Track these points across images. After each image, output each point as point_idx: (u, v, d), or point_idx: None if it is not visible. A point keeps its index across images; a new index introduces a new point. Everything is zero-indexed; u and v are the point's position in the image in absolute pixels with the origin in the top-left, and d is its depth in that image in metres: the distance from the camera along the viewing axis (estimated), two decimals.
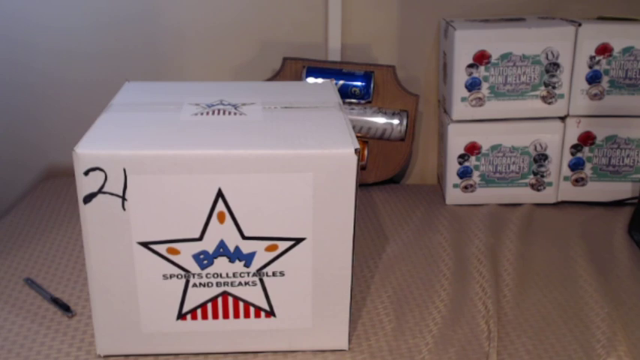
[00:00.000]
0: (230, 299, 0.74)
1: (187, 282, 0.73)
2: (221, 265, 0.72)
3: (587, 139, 1.14)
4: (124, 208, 0.68)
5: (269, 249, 0.72)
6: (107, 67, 1.23)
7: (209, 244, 0.71)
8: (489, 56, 1.09)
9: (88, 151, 0.67)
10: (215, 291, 0.73)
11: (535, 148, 1.14)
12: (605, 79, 1.11)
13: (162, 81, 1.04)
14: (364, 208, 1.16)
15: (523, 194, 1.17)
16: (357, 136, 1.20)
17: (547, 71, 1.10)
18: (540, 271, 0.96)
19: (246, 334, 0.76)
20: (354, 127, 1.19)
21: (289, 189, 0.69)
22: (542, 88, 1.11)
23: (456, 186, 1.17)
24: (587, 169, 1.16)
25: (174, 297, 0.73)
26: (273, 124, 0.75)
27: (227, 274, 0.73)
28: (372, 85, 1.21)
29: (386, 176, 1.24)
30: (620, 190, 1.17)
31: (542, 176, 1.16)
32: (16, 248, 1.00)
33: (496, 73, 1.10)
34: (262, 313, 0.75)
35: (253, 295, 0.74)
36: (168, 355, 0.76)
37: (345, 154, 0.68)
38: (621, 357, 0.75)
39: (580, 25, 1.08)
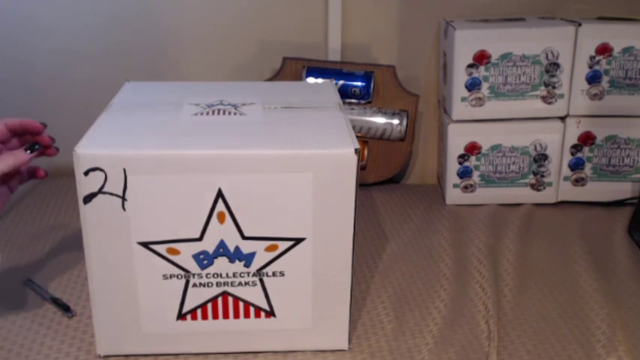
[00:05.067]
0: (230, 299, 0.74)
1: (187, 282, 0.73)
2: (221, 265, 0.72)
3: (587, 139, 1.14)
4: (124, 208, 0.68)
5: (269, 249, 0.72)
6: (107, 67, 1.23)
7: (209, 244, 0.71)
8: (489, 56, 1.09)
9: (88, 151, 0.67)
10: (215, 291, 0.73)
11: (535, 148, 1.14)
12: (605, 79, 1.11)
13: (163, 81, 1.04)
14: (364, 208, 1.16)
15: (523, 194, 1.17)
16: (357, 136, 1.20)
17: (547, 71, 1.10)
18: (540, 271, 0.96)
19: (246, 334, 0.76)
20: (354, 127, 1.19)
21: (289, 189, 0.69)
22: (543, 88, 1.11)
23: (456, 186, 1.17)
24: (587, 169, 1.16)
25: (174, 297, 0.73)
26: (273, 124, 0.75)
27: (227, 274, 0.73)
28: (372, 85, 1.21)
29: (386, 176, 1.24)
30: (620, 190, 1.17)
31: (542, 176, 1.16)
32: (16, 248, 1.00)
33: (496, 73, 1.10)
34: (262, 313, 0.75)
35: (253, 295, 0.74)
36: (168, 355, 0.76)
37: (345, 154, 0.68)
38: (621, 357, 0.75)
39: (580, 25, 1.08)
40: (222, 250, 0.71)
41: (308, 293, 0.74)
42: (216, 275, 0.73)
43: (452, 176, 1.16)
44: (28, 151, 0.75)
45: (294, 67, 1.21)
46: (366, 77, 1.20)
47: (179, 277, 0.72)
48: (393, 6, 1.22)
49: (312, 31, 1.23)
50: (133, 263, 0.71)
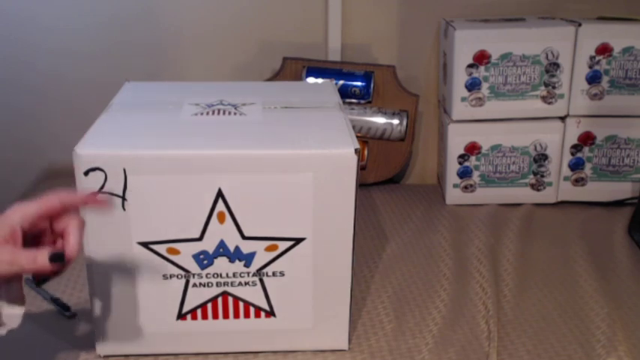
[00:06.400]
0: (230, 299, 0.74)
1: (187, 282, 0.73)
2: (221, 265, 0.72)
3: (587, 139, 1.14)
4: (124, 208, 0.68)
5: (269, 249, 0.72)
6: (107, 67, 1.23)
7: (209, 244, 0.71)
8: (489, 56, 1.09)
9: (88, 151, 0.67)
10: (215, 291, 0.73)
11: (535, 148, 1.14)
12: (605, 79, 1.11)
13: (162, 81, 1.04)
14: (364, 208, 1.16)
15: (523, 194, 1.17)
16: (357, 136, 1.20)
17: (547, 71, 1.10)
18: (540, 271, 0.95)
19: (246, 334, 0.76)
20: (354, 127, 1.19)
21: (289, 189, 0.69)
22: (542, 88, 1.11)
23: (456, 186, 1.17)
24: (587, 169, 1.16)
25: (175, 297, 0.73)
26: (273, 124, 0.75)
27: (227, 274, 0.73)
28: (372, 85, 1.21)
29: (386, 176, 1.24)
30: (620, 190, 1.17)
31: (542, 176, 1.16)
32: None
33: (496, 73, 1.10)
34: (262, 313, 0.75)
35: (253, 295, 0.74)
36: (168, 355, 0.76)
37: (345, 154, 0.68)
38: (621, 357, 0.75)
39: (580, 25, 1.08)
40: (222, 250, 0.71)
41: (308, 293, 0.74)
42: (216, 275, 0.72)
43: (452, 176, 1.16)
44: (50, 260, 0.56)
45: (294, 67, 1.21)
46: (366, 77, 1.20)
47: (179, 277, 0.72)
48: (393, 6, 1.22)
49: (312, 31, 1.23)
50: (133, 263, 0.71)
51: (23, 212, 0.57)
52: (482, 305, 0.86)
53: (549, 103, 1.12)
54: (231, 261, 0.72)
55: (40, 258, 0.55)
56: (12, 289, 0.59)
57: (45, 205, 0.58)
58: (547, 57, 1.09)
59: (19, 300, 0.59)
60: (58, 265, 0.56)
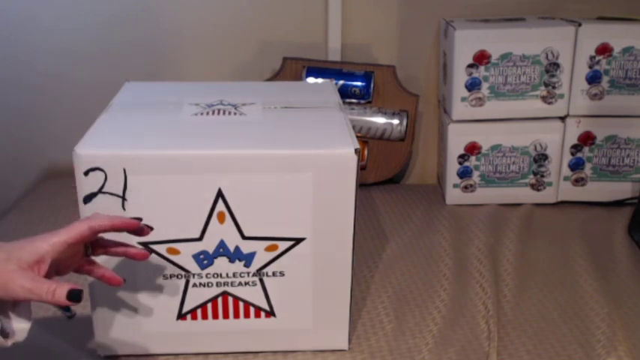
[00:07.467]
0: (230, 299, 0.74)
1: (187, 282, 0.73)
2: (221, 265, 0.72)
3: (587, 139, 1.14)
4: (124, 208, 0.68)
5: (269, 249, 0.72)
6: (107, 67, 1.23)
7: (209, 244, 0.71)
8: (489, 56, 1.09)
9: (88, 151, 0.67)
10: (215, 291, 0.73)
11: (535, 148, 1.14)
12: (605, 79, 1.11)
13: (162, 81, 1.04)
14: (364, 208, 1.16)
15: (523, 194, 1.17)
16: (357, 136, 1.20)
17: (547, 71, 1.10)
18: (540, 271, 0.95)
19: (246, 334, 0.76)
20: (354, 127, 1.19)
21: (289, 189, 0.69)
22: (542, 88, 1.11)
23: (456, 186, 1.17)
24: (587, 169, 1.16)
25: (175, 297, 0.73)
26: (273, 124, 0.75)
27: (227, 274, 0.73)
28: (372, 85, 1.20)
29: (386, 176, 1.24)
30: (620, 190, 1.17)
31: (542, 176, 1.16)
32: None
33: (496, 73, 1.10)
34: (262, 313, 0.75)
35: (253, 295, 0.74)
36: (168, 355, 0.76)
37: (345, 154, 0.68)
38: (621, 357, 0.75)
39: (580, 25, 1.08)
40: (222, 250, 0.71)
41: (308, 293, 0.74)
42: (216, 275, 0.72)
43: (452, 176, 1.16)
44: (67, 297, 0.57)
45: (294, 67, 1.21)
46: (366, 77, 1.20)
47: (179, 277, 0.72)
48: (393, 6, 1.22)
49: (312, 31, 1.23)
50: (133, 263, 0.71)
51: (53, 241, 0.58)
52: (482, 305, 0.86)
53: (549, 103, 1.12)
54: (231, 261, 0.72)
55: (58, 292, 0.55)
56: (22, 306, 0.60)
57: (74, 233, 0.59)
58: (547, 57, 1.09)
59: (26, 316, 0.60)
60: (73, 302, 0.56)
